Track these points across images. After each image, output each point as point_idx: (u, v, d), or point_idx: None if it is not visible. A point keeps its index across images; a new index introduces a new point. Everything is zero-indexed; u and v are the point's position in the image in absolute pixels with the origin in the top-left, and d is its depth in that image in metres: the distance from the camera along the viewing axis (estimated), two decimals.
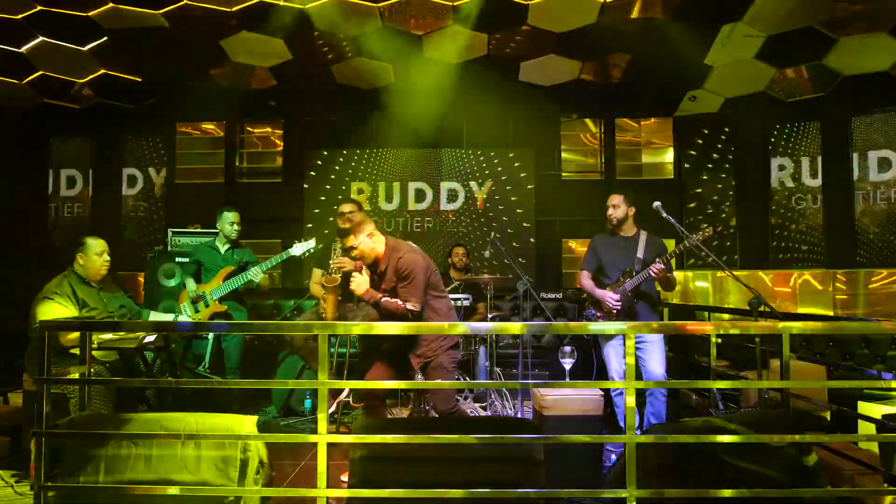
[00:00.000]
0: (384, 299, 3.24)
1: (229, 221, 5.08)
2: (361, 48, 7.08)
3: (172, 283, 5.97)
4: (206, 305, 4.84)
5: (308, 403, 5.29)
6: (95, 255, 4.02)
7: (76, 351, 3.64)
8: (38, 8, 6.32)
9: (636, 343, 4.02)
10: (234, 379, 4.83)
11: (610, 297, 4.07)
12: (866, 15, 6.17)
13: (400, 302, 3.22)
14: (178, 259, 6.04)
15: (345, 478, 3.29)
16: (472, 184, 8.17)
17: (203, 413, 2.59)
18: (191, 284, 4.92)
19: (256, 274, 4.87)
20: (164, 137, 8.52)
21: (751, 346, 4.93)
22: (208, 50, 7.10)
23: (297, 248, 4.88)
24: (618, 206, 4.21)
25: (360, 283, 3.26)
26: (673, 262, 4.09)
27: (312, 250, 4.92)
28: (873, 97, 7.24)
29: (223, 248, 5.10)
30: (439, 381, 3.31)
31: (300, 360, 5.32)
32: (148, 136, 8.52)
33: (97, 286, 4.06)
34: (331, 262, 4.46)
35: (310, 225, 8.05)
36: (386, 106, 7.89)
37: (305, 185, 8.25)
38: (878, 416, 3.27)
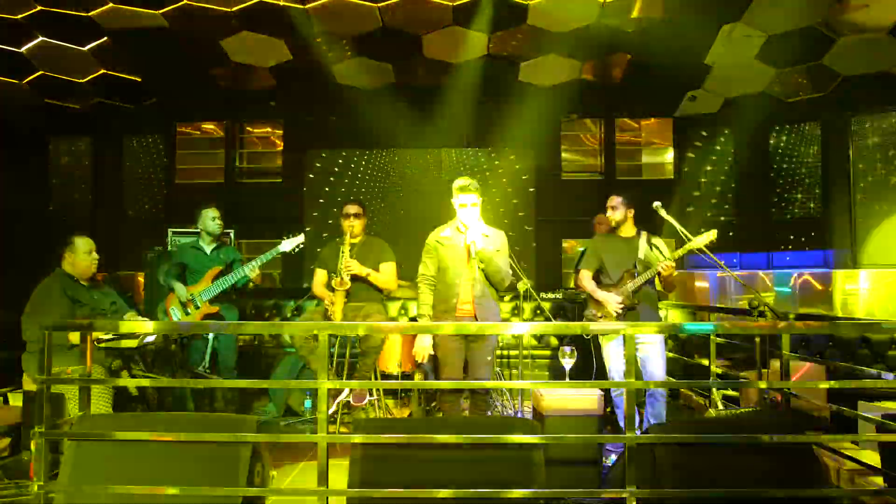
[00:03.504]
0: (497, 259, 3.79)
1: (211, 217, 4.91)
2: (361, 48, 7.08)
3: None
4: (197, 307, 4.71)
5: (308, 403, 5.28)
6: (83, 253, 4.02)
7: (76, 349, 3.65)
8: (38, 8, 6.31)
9: (636, 343, 4.01)
10: (230, 379, 4.78)
11: (613, 301, 4.06)
12: (866, 15, 6.16)
13: (502, 264, 3.83)
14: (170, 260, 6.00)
15: None
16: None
17: (202, 413, 2.59)
18: (179, 288, 4.76)
19: (253, 269, 4.78)
20: (164, 137, 8.52)
21: (751, 346, 4.93)
22: (208, 50, 7.10)
23: (286, 245, 4.76)
24: (616, 208, 4.19)
25: (481, 238, 3.70)
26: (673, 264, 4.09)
27: (301, 246, 4.84)
28: (873, 97, 7.24)
29: (209, 249, 4.94)
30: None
31: (300, 360, 5.30)
32: (148, 136, 8.52)
33: (87, 284, 4.07)
34: (339, 265, 4.42)
35: (308, 228, 8.03)
36: (386, 106, 7.88)
37: (305, 187, 8.24)
38: (878, 416, 3.26)
